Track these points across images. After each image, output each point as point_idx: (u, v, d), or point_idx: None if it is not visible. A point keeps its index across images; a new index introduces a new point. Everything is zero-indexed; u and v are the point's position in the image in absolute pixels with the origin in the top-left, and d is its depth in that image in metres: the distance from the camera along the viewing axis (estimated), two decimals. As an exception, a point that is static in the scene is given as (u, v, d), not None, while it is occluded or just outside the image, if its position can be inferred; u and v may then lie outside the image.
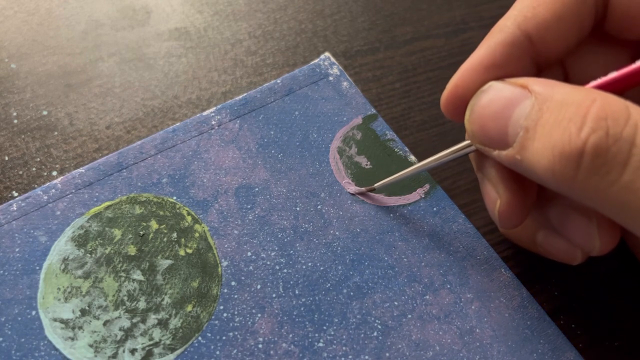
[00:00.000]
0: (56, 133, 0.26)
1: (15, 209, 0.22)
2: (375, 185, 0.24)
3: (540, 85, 0.16)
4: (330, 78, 0.27)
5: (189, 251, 0.22)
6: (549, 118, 0.15)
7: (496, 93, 0.17)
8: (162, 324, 0.21)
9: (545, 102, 0.16)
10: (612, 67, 0.17)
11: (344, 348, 0.21)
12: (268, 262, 0.22)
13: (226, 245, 0.22)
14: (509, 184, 0.19)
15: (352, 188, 0.24)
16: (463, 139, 0.20)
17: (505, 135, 0.17)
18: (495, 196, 0.19)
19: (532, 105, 0.16)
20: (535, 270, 0.24)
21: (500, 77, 0.18)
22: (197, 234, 0.23)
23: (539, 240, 0.22)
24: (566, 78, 0.21)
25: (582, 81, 0.18)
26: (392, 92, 0.29)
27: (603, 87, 0.17)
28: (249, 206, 0.23)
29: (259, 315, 0.21)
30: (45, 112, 0.27)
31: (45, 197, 0.23)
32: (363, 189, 0.24)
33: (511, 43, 0.18)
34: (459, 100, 0.19)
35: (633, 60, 0.16)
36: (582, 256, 0.21)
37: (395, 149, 0.26)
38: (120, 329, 0.20)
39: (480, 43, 0.19)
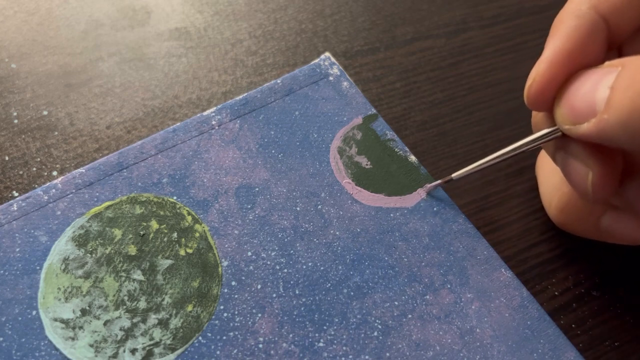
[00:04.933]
0: (56, 133, 0.26)
1: (15, 209, 0.22)
2: (453, 175, 0.23)
3: (627, 59, 0.16)
4: (331, 78, 0.27)
5: (190, 251, 0.22)
6: (633, 70, 0.15)
7: (586, 77, 0.17)
8: (163, 323, 0.21)
9: (631, 64, 0.16)
10: None
11: (344, 348, 0.21)
12: (268, 262, 0.22)
13: (226, 245, 0.22)
14: (598, 155, 0.19)
15: (426, 187, 0.24)
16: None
17: (593, 105, 0.16)
18: (585, 171, 0.19)
19: (618, 72, 0.16)
20: (535, 270, 0.24)
21: (583, 63, 0.18)
22: (197, 234, 0.23)
23: (604, 223, 0.21)
24: None
25: None
26: (392, 92, 0.29)
27: None
28: (249, 206, 0.23)
29: (259, 315, 0.21)
30: (45, 112, 0.27)
31: (46, 197, 0.23)
32: (439, 181, 0.24)
33: (591, 27, 0.18)
34: (547, 92, 0.19)
35: None
36: None
37: (396, 149, 0.26)
38: (120, 329, 0.20)
39: (554, 29, 0.19)
